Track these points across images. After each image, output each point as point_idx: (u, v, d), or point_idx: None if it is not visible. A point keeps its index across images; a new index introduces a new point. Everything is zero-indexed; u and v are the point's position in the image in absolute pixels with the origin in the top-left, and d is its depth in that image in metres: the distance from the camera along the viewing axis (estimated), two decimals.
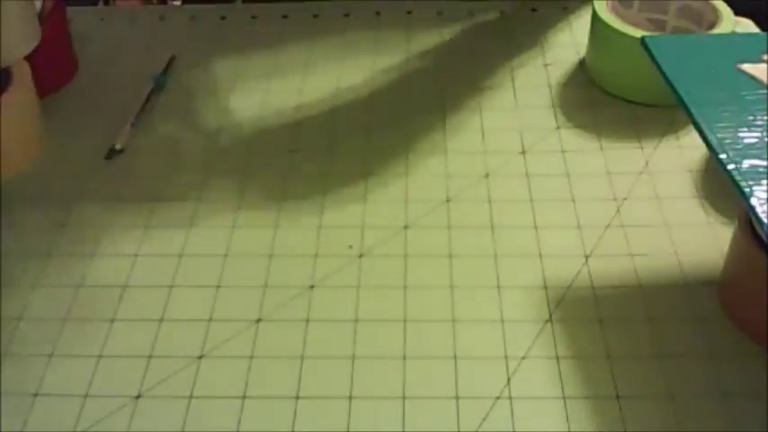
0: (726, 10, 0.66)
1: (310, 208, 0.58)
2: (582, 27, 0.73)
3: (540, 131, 0.64)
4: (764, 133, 0.45)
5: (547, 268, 0.53)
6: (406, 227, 0.56)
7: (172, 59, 0.70)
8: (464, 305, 0.51)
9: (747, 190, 0.41)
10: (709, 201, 0.57)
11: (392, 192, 0.59)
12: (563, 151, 0.62)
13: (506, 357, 0.47)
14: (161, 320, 0.50)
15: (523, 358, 0.47)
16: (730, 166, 0.43)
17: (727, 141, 0.44)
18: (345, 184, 0.60)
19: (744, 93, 0.48)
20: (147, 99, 0.67)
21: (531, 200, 0.58)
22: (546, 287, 0.52)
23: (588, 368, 0.47)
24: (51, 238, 0.56)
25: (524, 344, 0.48)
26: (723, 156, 0.43)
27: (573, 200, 0.58)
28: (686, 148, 0.62)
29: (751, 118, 0.46)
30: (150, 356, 0.48)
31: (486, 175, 0.60)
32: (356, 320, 0.50)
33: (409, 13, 0.78)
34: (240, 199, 0.59)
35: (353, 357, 0.48)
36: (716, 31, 0.64)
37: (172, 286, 0.52)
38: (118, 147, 0.62)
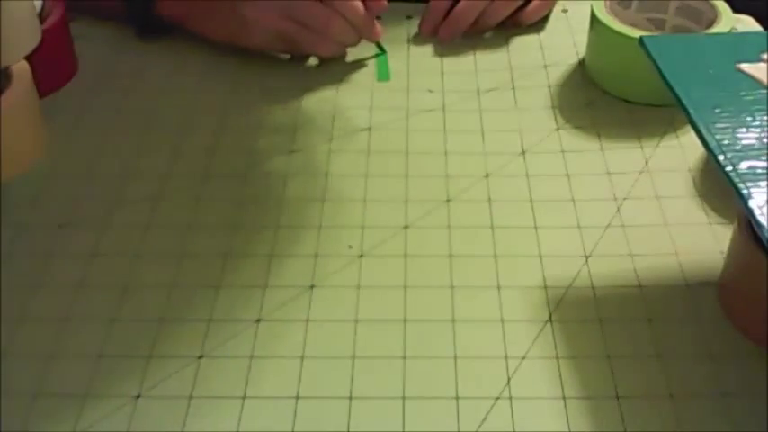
0: (725, 8, 0.66)
1: (310, 208, 0.58)
2: (581, 27, 0.73)
3: (539, 132, 0.64)
4: (763, 134, 0.45)
5: (547, 268, 0.53)
6: (406, 227, 0.56)
7: None
8: (464, 305, 0.51)
9: (745, 192, 0.41)
10: (709, 201, 0.57)
11: (392, 192, 0.59)
12: (563, 152, 0.62)
13: (506, 357, 0.48)
14: (161, 320, 0.50)
15: (523, 358, 0.47)
16: (728, 168, 0.43)
17: (726, 143, 0.44)
18: (345, 184, 0.60)
19: (742, 93, 0.48)
20: None
21: (531, 200, 0.58)
22: (546, 287, 0.52)
23: (588, 368, 0.47)
24: (51, 238, 0.56)
25: (524, 344, 0.48)
26: (721, 157, 0.43)
27: (573, 200, 0.58)
28: (686, 148, 0.62)
29: (749, 119, 0.46)
30: (150, 356, 0.48)
31: (486, 176, 0.60)
32: (356, 320, 0.50)
33: (409, 17, 0.78)
34: (240, 199, 0.59)
35: (353, 357, 0.48)
36: (715, 29, 0.64)
37: (172, 286, 0.52)
38: None
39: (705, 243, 0.54)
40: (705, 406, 0.45)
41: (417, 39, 0.75)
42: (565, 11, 0.78)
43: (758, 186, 0.42)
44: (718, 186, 0.58)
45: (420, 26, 0.75)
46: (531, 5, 0.74)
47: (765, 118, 0.46)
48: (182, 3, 0.71)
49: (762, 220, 0.40)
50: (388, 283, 0.52)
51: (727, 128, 0.45)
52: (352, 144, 0.63)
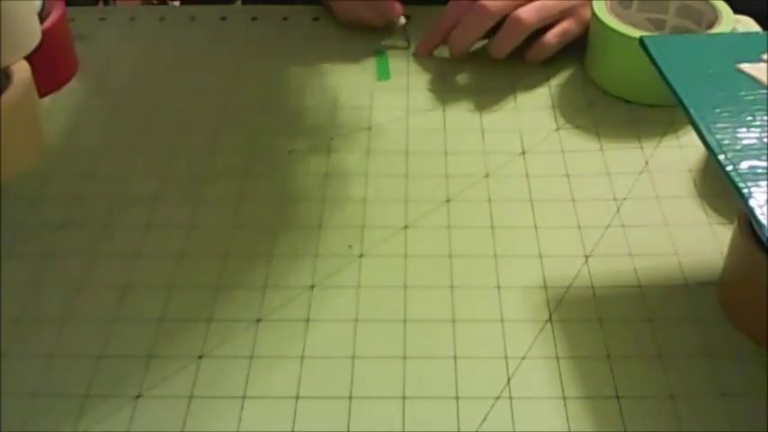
0: (725, 9, 0.66)
1: (310, 208, 0.58)
2: None
3: (539, 132, 0.64)
4: (763, 134, 0.45)
5: (547, 268, 0.53)
6: (406, 227, 0.56)
7: None
8: (464, 305, 0.51)
9: (746, 191, 0.41)
10: (709, 201, 0.57)
11: (392, 192, 0.59)
12: (563, 152, 0.62)
13: (506, 357, 0.48)
14: (161, 320, 0.50)
15: (523, 358, 0.47)
16: (728, 168, 0.43)
17: (726, 142, 0.44)
18: (345, 184, 0.60)
19: (743, 93, 0.48)
20: None
21: (531, 200, 0.58)
22: (546, 287, 0.52)
23: (588, 368, 0.47)
24: (51, 238, 0.56)
25: (524, 344, 0.48)
26: (721, 157, 0.43)
27: (573, 200, 0.58)
28: (686, 148, 0.62)
29: (750, 118, 0.46)
30: (150, 356, 0.48)
31: (486, 176, 0.60)
32: (356, 320, 0.50)
33: (408, 17, 0.78)
34: (240, 199, 0.59)
35: (353, 357, 0.48)
36: (715, 30, 0.64)
37: (172, 286, 0.52)
38: None
39: (705, 243, 0.54)
40: (705, 406, 0.45)
41: (417, 38, 0.74)
42: None
43: (758, 186, 0.42)
44: (718, 186, 0.58)
45: (417, 46, 0.74)
46: (536, 44, 0.70)
47: (765, 118, 0.46)
48: None
49: (762, 219, 0.40)
50: (388, 283, 0.52)
51: (727, 128, 0.45)
52: (352, 144, 0.63)
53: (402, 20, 0.74)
